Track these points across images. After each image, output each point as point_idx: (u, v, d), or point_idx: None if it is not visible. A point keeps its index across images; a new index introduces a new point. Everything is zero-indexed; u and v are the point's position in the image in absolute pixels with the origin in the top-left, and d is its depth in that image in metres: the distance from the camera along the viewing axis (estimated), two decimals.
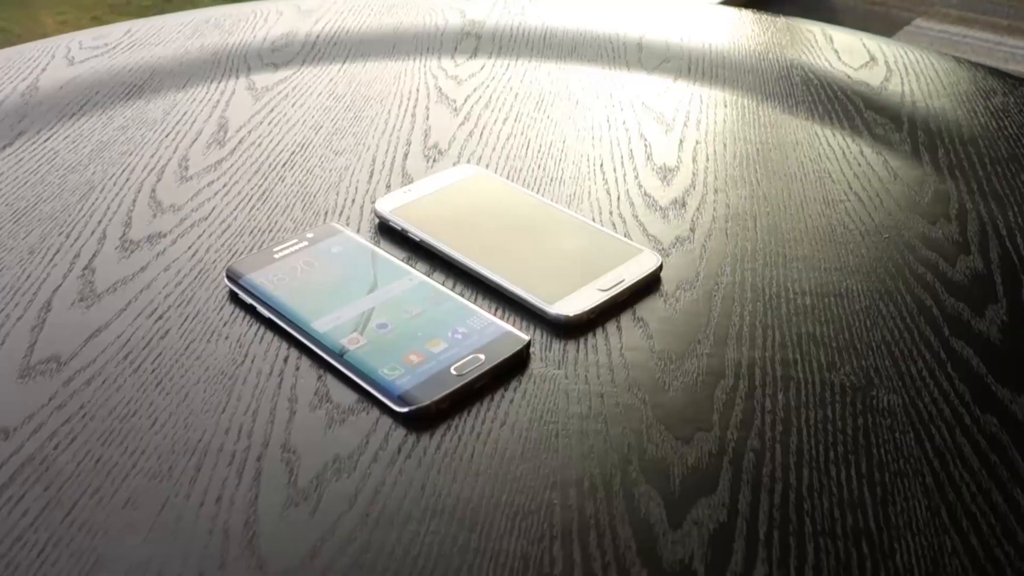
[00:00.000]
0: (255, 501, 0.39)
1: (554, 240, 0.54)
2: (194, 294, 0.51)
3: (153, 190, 0.61)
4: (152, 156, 0.65)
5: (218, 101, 0.73)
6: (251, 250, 0.55)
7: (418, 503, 0.39)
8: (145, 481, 0.40)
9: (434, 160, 0.65)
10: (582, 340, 0.48)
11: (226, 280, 0.51)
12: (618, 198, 0.61)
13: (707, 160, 0.65)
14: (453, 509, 0.39)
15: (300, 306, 0.49)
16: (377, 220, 0.58)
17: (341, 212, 0.59)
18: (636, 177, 0.63)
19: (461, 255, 0.53)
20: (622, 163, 0.65)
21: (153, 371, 0.46)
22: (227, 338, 0.48)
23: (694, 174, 0.64)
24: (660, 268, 0.53)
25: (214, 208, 0.59)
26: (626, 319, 0.50)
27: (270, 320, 0.49)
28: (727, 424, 0.43)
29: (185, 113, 0.71)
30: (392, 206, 0.57)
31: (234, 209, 0.59)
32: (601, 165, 0.65)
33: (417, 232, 0.55)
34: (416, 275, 0.51)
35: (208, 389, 0.45)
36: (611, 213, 0.59)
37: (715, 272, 0.54)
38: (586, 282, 0.51)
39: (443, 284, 0.52)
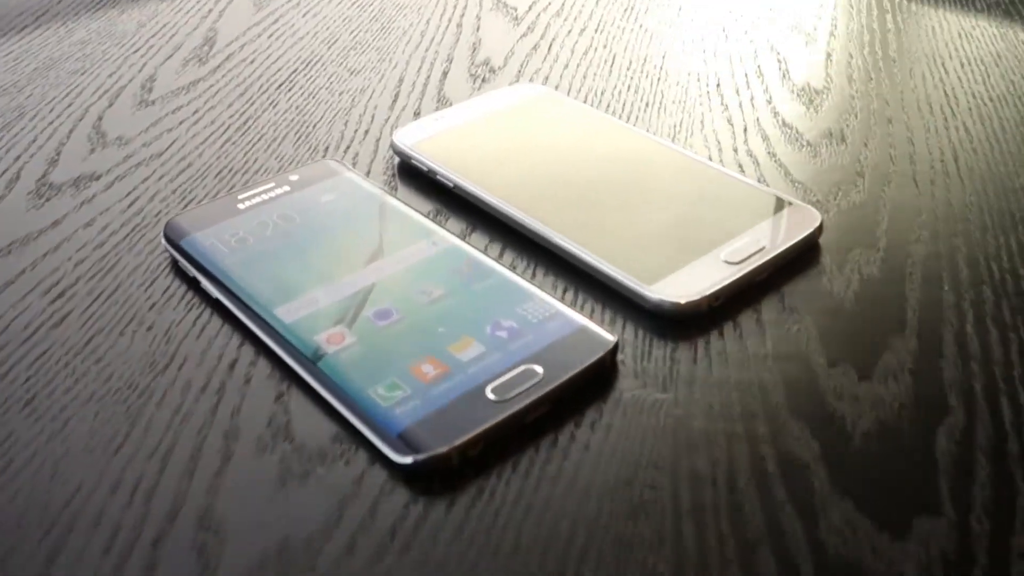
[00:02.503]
0: None
1: (655, 188, 0.36)
2: (118, 260, 0.35)
3: (99, 119, 0.44)
4: (110, 76, 0.48)
5: (210, 10, 0.56)
6: (211, 198, 0.38)
7: None
8: None
9: (483, 80, 0.47)
10: (701, 343, 0.30)
11: (164, 241, 0.34)
12: (744, 129, 0.42)
13: (870, 79, 0.46)
14: None
15: (263, 281, 0.32)
16: (396, 157, 0.40)
17: (348, 147, 0.42)
18: (769, 101, 0.44)
19: (514, 208, 0.35)
20: (747, 83, 0.46)
21: (27, 380, 0.29)
22: (150, 329, 0.31)
23: (852, 97, 0.44)
24: (820, 230, 0.34)
25: (174, 141, 0.42)
26: (770, 310, 0.31)
27: (218, 302, 0.32)
28: (970, 503, 0.25)
29: (165, 25, 0.54)
30: (417, 138, 0.40)
31: (201, 143, 0.42)
32: (718, 85, 0.46)
33: (450, 174, 0.37)
34: (444, 236, 0.34)
35: (103, 413, 0.28)
36: (736, 151, 0.40)
37: (904, 237, 0.35)
38: (705, 251, 0.33)
39: (485, 251, 0.34)
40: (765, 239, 0.33)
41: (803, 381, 0.29)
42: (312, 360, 0.29)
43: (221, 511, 0.25)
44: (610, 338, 0.29)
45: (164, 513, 0.25)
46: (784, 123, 0.42)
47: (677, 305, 0.31)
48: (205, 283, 0.32)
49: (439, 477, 0.26)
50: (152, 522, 0.25)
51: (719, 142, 0.41)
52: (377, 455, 0.26)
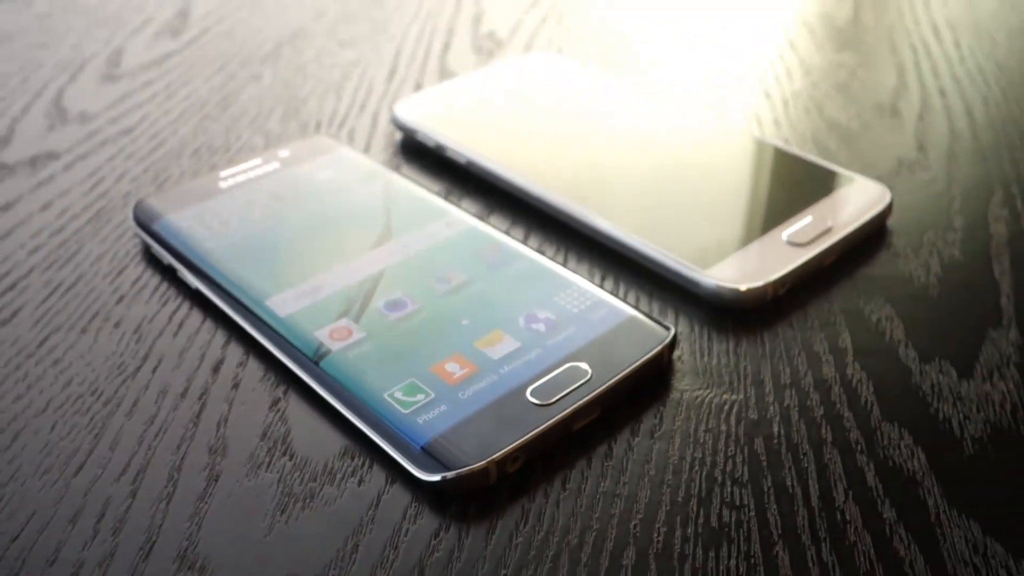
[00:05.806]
0: None
1: (701, 163, 0.32)
2: (80, 248, 0.30)
3: (60, 93, 0.40)
4: (72, 48, 0.43)
5: None
6: (189, 177, 0.33)
7: None
8: None
9: (489, 54, 0.43)
10: (767, 336, 0.26)
11: (133, 223, 0.30)
12: (785, 103, 0.38)
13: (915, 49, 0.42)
14: None
15: (251, 269, 0.27)
16: (398, 133, 0.36)
17: (342, 123, 0.37)
18: (807, 74, 0.40)
19: (539, 186, 0.31)
20: (781, 56, 0.42)
21: None
22: (118, 326, 0.27)
23: (900, 67, 0.40)
24: (890, 209, 0.30)
25: (145, 117, 0.38)
26: (843, 297, 0.27)
27: (198, 293, 0.27)
28: None
29: None
30: (423, 111, 0.35)
31: (175, 119, 0.37)
32: (752, 65, 0.42)
33: (463, 149, 0.33)
34: (460, 217, 0.29)
35: (61, 425, 0.23)
36: (776, 124, 0.36)
37: (980, 220, 0.31)
38: (764, 230, 0.28)
39: (508, 233, 0.30)
40: (830, 218, 0.29)
41: (894, 379, 0.24)
42: (313, 359, 0.24)
43: (206, 544, 0.20)
44: (667, 330, 0.25)
45: (136, 548, 0.20)
46: (819, 107, 0.38)
47: (738, 292, 0.26)
48: (183, 271, 0.28)
49: (474, 498, 0.21)
50: (121, 559, 0.20)
51: (758, 116, 0.37)
52: (397, 472, 0.22)
